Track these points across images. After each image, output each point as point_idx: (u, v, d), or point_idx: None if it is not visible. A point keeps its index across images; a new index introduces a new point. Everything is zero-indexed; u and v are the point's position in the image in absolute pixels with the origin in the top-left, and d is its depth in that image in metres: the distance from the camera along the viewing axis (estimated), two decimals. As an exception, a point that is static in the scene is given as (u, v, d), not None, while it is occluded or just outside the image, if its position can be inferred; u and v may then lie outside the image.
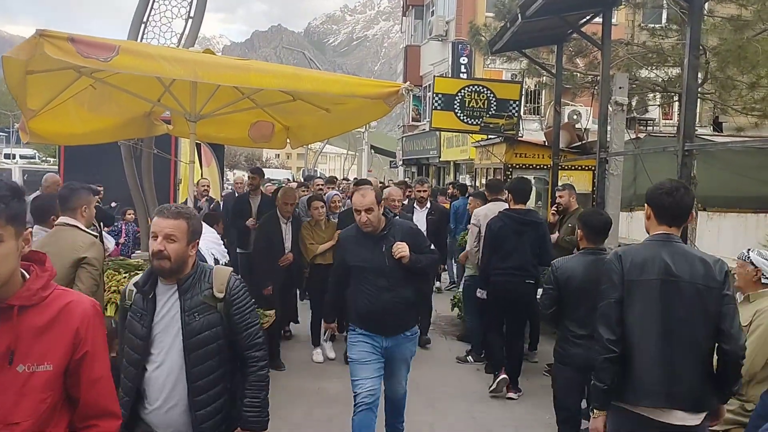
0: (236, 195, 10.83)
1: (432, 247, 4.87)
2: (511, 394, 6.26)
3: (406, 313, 4.54)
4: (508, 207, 6.53)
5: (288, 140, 7.56)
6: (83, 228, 4.29)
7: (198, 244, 3.01)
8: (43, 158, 60.93)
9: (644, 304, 3.19)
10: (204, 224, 4.43)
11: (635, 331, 3.21)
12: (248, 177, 9.60)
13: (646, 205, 3.39)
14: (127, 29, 7.15)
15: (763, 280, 3.95)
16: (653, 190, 3.35)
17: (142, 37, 6.91)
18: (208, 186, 10.52)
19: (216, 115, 6.16)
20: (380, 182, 16.36)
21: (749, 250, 4.07)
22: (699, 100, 12.86)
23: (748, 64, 8.69)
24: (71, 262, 4.04)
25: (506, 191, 6.86)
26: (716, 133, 15.78)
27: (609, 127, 7.93)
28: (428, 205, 8.70)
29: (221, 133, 7.51)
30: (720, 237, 13.67)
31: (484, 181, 11.55)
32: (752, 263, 3.97)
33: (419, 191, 8.86)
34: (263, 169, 11.52)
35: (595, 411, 3.35)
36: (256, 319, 3.06)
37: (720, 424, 3.79)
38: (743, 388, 3.78)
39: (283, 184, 12.06)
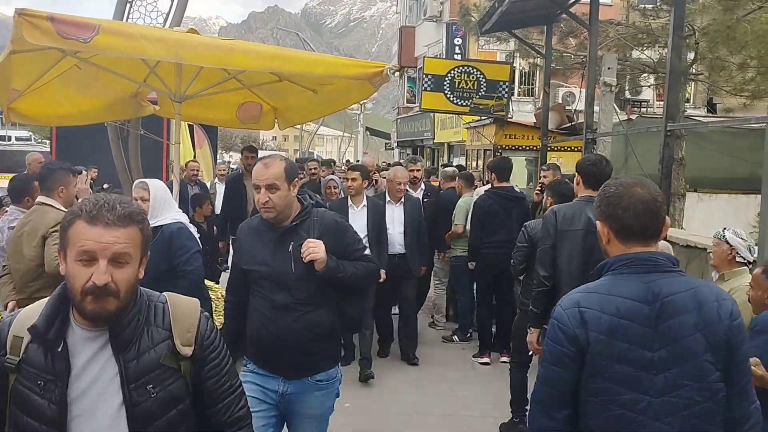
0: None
1: (367, 252, 3.52)
2: (504, 358, 6.57)
3: (317, 346, 3.10)
4: (492, 185, 6.88)
5: (276, 121, 7.57)
6: (59, 207, 4.19)
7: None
8: (39, 140, 60.83)
9: (571, 249, 4.03)
10: (166, 201, 4.12)
11: (563, 269, 4.03)
12: (243, 156, 8.57)
13: (576, 173, 4.21)
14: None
15: (737, 259, 3.98)
16: (582, 161, 4.28)
17: (127, 17, 6.89)
18: (198, 169, 10.19)
19: (202, 96, 6.15)
20: (377, 164, 16.00)
21: (725, 229, 4.10)
22: (691, 81, 12.90)
23: (737, 45, 8.69)
24: (39, 240, 4.02)
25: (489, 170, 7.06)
26: (710, 115, 15.81)
27: (598, 108, 7.96)
28: (422, 186, 7.74)
29: (209, 114, 7.52)
30: (710, 218, 13.71)
31: (474, 164, 11.58)
32: (727, 242, 4.00)
33: (411, 170, 7.58)
34: (258, 152, 9.68)
35: (531, 329, 4.30)
36: (236, 379, 2.01)
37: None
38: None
39: None
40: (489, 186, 7.19)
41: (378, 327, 6.85)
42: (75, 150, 10.24)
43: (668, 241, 5.12)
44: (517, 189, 7.18)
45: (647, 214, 2.07)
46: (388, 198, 6.62)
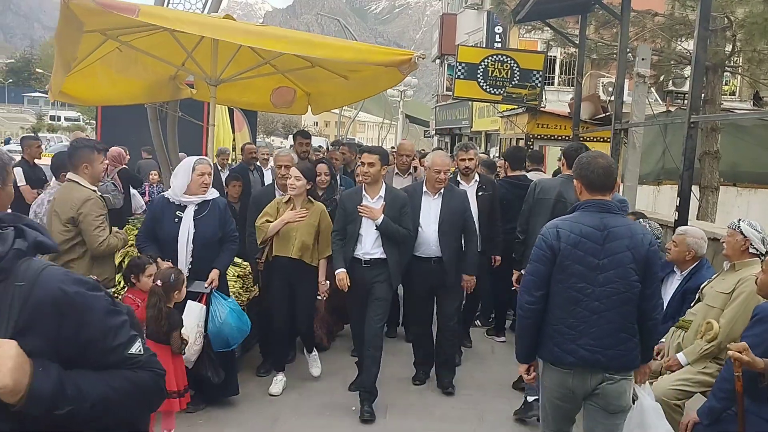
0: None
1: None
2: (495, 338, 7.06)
3: None
4: (505, 174, 7.01)
5: (309, 106, 7.76)
6: (84, 184, 4.39)
7: None
8: (87, 121, 62.54)
9: (543, 213, 5.01)
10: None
11: (536, 229, 4.45)
12: (296, 141, 7.75)
13: (562, 156, 5.38)
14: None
15: (750, 250, 4.03)
16: (567, 149, 5.34)
17: (167, 2, 7.14)
18: (254, 151, 9.26)
19: (237, 80, 6.37)
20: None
21: (740, 220, 4.15)
22: (729, 74, 12.67)
23: (774, 38, 8.55)
24: (66, 219, 4.25)
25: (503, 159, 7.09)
26: (755, 108, 15.47)
27: (630, 99, 7.93)
28: (476, 177, 6.26)
29: (243, 98, 7.76)
30: (749, 213, 13.48)
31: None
32: (742, 233, 4.05)
33: (462, 159, 6.24)
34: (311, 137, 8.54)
35: (514, 272, 5.70)
36: None
37: (697, 386, 3.95)
38: (723, 353, 3.90)
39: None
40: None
41: (415, 351, 5.87)
42: (118, 131, 10.63)
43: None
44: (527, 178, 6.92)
45: (605, 175, 3.24)
46: (425, 189, 5.45)
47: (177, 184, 4.68)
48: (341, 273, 5.01)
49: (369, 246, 5.03)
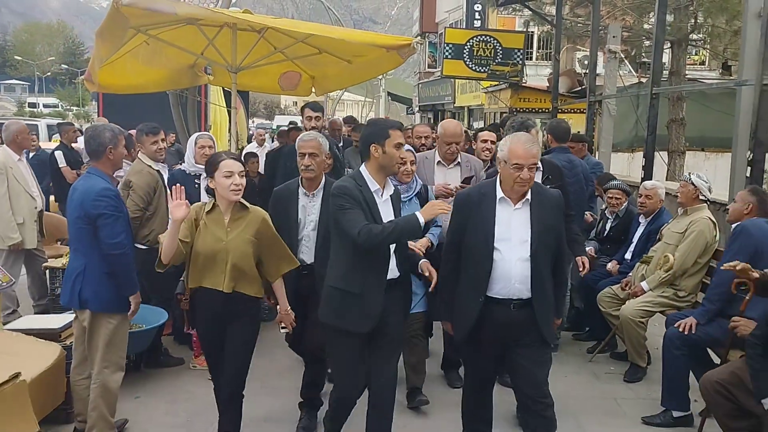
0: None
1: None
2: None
3: None
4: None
5: (313, 88, 8.55)
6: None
7: None
8: (67, 107, 62.31)
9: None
10: None
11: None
12: (303, 116, 6.20)
13: (548, 134, 5.71)
14: None
15: (700, 197, 4.94)
16: (549, 125, 5.82)
17: None
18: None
19: (253, 67, 7.15)
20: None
21: (690, 173, 5.06)
22: (692, 47, 13.57)
23: (729, 15, 9.44)
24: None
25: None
26: (723, 77, 16.44)
27: (603, 73, 8.82)
28: (539, 167, 4.71)
29: (254, 82, 8.52)
30: (716, 176, 14.50)
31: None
32: (692, 183, 4.95)
33: (484, 140, 5.51)
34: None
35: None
36: None
37: (657, 307, 4.88)
38: (678, 280, 4.85)
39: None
40: None
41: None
42: (119, 116, 11.33)
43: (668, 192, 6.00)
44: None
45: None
46: (501, 194, 3.44)
47: (188, 157, 5.53)
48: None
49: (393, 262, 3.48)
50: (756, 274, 3.59)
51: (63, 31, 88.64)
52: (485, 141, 5.47)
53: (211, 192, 3.57)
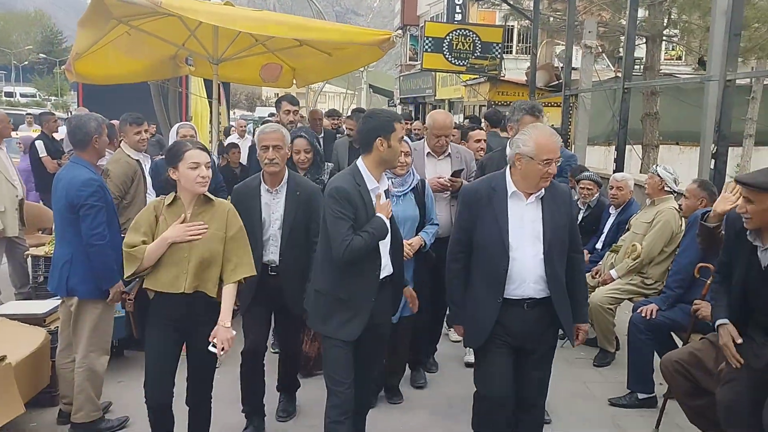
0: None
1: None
2: None
3: None
4: None
5: (294, 80, 8.64)
6: None
7: None
8: (45, 97, 61.52)
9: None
10: None
11: None
12: (280, 110, 6.23)
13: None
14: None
15: (666, 189, 5.13)
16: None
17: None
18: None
19: (234, 59, 7.23)
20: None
21: (657, 165, 5.26)
22: (667, 43, 13.85)
23: (702, 11, 9.68)
24: None
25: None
26: (697, 73, 16.75)
27: (580, 67, 9.00)
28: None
29: (236, 74, 8.60)
30: (691, 169, 14.83)
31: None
32: (659, 175, 5.15)
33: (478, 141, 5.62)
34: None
35: None
36: None
37: (625, 294, 5.08)
38: (645, 268, 5.04)
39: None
40: None
41: None
42: (99, 106, 11.30)
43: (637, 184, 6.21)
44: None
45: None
46: (513, 187, 3.23)
47: None
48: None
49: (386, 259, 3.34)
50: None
51: (40, 20, 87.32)
52: (479, 141, 5.29)
53: (160, 186, 3.34)
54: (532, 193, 3.15)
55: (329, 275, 3.18)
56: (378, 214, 3.12)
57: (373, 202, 3.15)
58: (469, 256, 3.25)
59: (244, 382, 3.95)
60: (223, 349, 3.15)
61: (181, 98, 8.27)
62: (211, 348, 3.15)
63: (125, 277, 3.21)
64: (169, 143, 5.59)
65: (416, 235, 4.15)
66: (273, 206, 3.83)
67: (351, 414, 3.25)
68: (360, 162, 3.20)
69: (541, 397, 3.36)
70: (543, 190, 3.16)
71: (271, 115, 12.68)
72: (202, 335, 3.17)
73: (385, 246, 3.23)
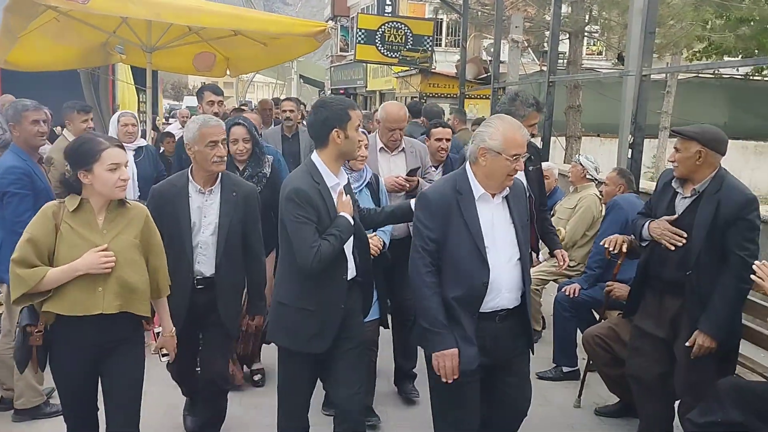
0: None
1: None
2: None
3: None
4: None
5: (227, 70, 8.64)
6: None
7: None
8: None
9: None
10: None
11: None
12: (203, 101, 5.73)
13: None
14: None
15: (587, 176, 5.48)
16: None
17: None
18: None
19: (168, 47, 7.19)
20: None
21: (578, 155, 5.61)
22: (587, 39, 14.48)
23: (621, 9, 10.23)
24: None
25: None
26: (616, 68, 17.53)
27: (507, 61, 9.36)
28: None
29: (169, 63, 8.52)
30: (610, 159, 15.54)
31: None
32: (581, 164, 5.49)
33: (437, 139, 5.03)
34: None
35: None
36: None
37: (551, 276, 5.40)
38: (568, 251, 5.36)
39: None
40: None
41: None
42: (20, 94, 10.90)
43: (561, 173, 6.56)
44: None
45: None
46: (479, 187, 2.95)
47: (113, 135, 5.61)
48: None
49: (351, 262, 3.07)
50: (625, 246, 4.00)
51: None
52: (440, 140, 4.78)
53: (62, 188, 2.75)
54: (496, 194, 2.85)
55: (293, 285, 2.90)
56: (341, 213, 2.86)
57: (334, 200, 2.88)
58: (440, 271, 2.82)
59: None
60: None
61: (113, 86, 8.13)
62: (162, 359, 3.04)
63: (12, 300, 2.59)
64: (110, 131, 5.55)
65: (374, 233, 3.68)
66: (206, 209, 3.35)
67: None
68: (315, 157, 2.91)
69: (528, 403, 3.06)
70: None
71: (243, 104, 12.57)
72: (124, 360, 2.73)
73: (348, 246, 2.95)
